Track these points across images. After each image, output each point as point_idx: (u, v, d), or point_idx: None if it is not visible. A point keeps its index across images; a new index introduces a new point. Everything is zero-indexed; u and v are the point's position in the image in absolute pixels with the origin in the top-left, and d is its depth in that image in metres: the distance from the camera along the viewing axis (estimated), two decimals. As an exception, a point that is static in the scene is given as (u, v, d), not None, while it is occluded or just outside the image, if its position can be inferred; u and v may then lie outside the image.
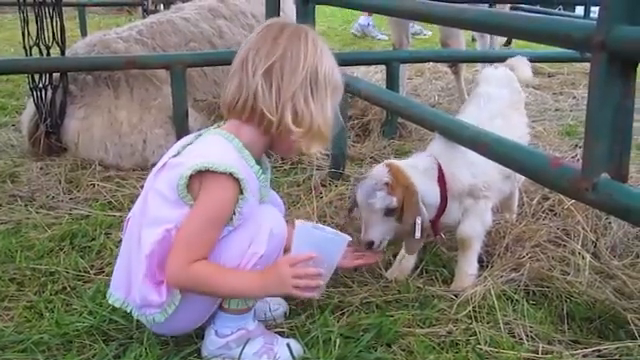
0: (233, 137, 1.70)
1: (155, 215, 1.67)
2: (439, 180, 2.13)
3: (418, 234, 2.01)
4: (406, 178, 2.05)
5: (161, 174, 1.71)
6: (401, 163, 2.14)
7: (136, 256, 1.69)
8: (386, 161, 2.15)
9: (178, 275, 1.63)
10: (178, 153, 1.74)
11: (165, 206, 1.67)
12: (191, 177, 1.61)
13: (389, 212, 2.03)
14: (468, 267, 2.20)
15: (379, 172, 2.07)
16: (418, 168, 2.13)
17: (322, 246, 1.72)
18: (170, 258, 1.63)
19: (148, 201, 1.71)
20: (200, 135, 1.79)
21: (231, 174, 1.61)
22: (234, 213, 1.66)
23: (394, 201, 2.01)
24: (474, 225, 2.20)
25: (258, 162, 1.76)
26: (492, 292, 2.07)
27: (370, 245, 2.05)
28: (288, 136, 1.72)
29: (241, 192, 1.64)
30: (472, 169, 2.17)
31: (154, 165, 1.80)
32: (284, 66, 1.69)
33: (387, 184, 2.02)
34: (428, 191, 2.11)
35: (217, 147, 1.69)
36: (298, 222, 1.77)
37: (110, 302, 1.78)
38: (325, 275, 1.73)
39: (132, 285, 1.71)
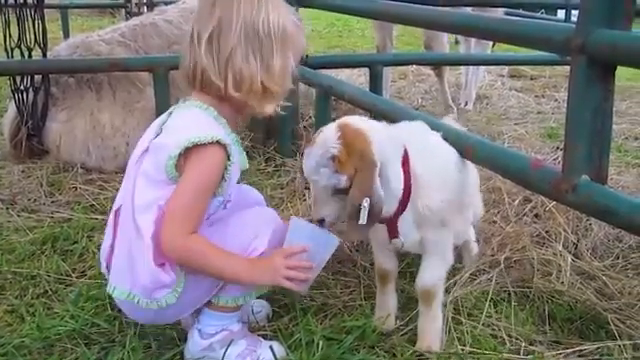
0: (207, 107, 1.71)
1: (146, 199, 1.66)
2: (403, 165, 1.71)
3: (364, 219, 1.60)
4: (364, 143, 1.62)
5: (145, 158, 1.70)
6: (361, 123, 1.69)
7: (137, 244, 1.65)
8: (341, 120, 1.71)
9: (173, 244, 1.61)
10: (157, 135, 1.72)
11: (154, 187, 1.66)
12: (179, 155, 1.62)
13: (338, 191, 1.66)
14: (435, 321, 1.86)
15: (327, 138, 1.64)
16: (386, 133, 1.72)
17: (315, 241, 1.71)
18: (164, 229, 1.61)
19: (136, 187, 1.69)
20: (171, 113, 1.77)
21: (217, 141, 1.62)
22: (224, 179, 1.66)
23: (342, 180, 1.62)
24: (438, 270, 1.84)
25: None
26: (474, 293, 2.08)
27: (321, 222, 1.72)
28: (238, 99, 1.70)
29: (228, 158, 1.65)
30: (447, 183, 1.81)
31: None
32: (221, 29, 1.67)
33: (334, 158, 1.62)
34: (393, 170, 1.69)
35: (197, 119, 1.69)
36: (293, 217, 1.77)
37: (114, 296, 1.72)
38: (314, 270, 1.73)
39: (138, 273, 1.66)
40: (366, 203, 1.58)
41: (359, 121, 1.70)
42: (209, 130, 1.63)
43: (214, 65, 1.67)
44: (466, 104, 5.20)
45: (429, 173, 1.75)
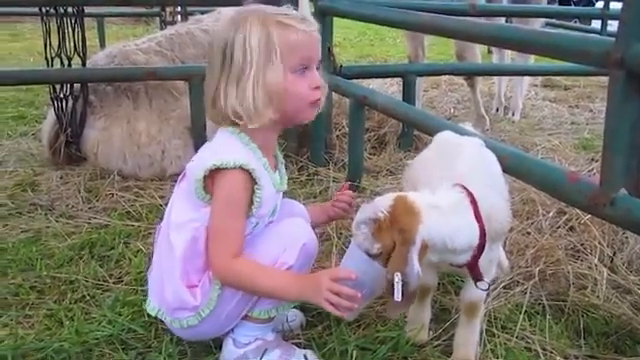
0: (239, 131, 1.73)
1: (181, 219, 1.72)
2: (475, 214, 1.63)
3: (398, 296, 1.53)
4: (411, 221, 1.55)
5: (183, 180, 1.78)
6: (421, 200, 1.60)
7: (168, 260, 1.72)
8: (402, 193, 1.64)
9: (219, 270, 1.67)
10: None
11: (189, 209, 1.72)
12: (205, 177, 1.66)
13: (372, 256, 1.62)
14: (473, 333, 1.85)
15: (380, 203, 1.60)
16: (441, 207, 1.60)
17: (368, 271, 1.67)
18: (210, 255, 1.68)
19: (174, 205, 1.77)
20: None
21: (241, 167, 1.64)
22: (252, 202, 1.69)
23: (375, 248, 1.58)
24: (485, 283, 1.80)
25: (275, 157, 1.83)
26: (508, 305, 2.07)
27: (376, 256, 1.64)
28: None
29: (256, 182, 1.67)
30: (505, 198, 1.76)
31: (172, 176, 1.84)
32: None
33: (375, 221, 1.57)
34: (462, 231, 1.61)
35: (224, 143, 1.72)
36: (353, 242, 1.72)
37: (148, 311, 1.81)
38: (362, 300, 1.68)
39: (165, 290, 1.73)
40: (397, 278, 1.53)
41: (420, 198, 1.61)
42: (233, 155, 1.65)
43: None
44: (513, 114, 5.18)
45: (493, 201, 1.70)
